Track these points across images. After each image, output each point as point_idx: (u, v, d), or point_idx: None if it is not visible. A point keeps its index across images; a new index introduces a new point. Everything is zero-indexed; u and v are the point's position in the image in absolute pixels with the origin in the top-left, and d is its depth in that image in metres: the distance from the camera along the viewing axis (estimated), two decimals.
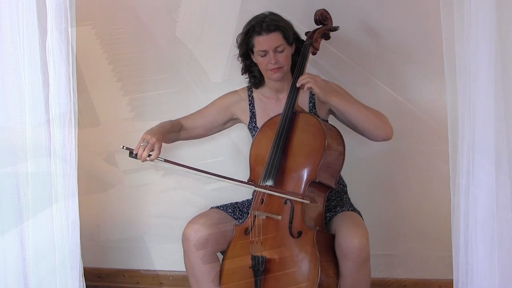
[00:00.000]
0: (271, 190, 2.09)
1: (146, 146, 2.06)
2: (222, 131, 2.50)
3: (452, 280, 1.81)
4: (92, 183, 2.91)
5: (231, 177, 2.10)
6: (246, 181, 2.22)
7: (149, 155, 2.06)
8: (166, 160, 2.08)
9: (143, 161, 2.07)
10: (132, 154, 2.06)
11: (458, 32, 1.69)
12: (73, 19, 1.70)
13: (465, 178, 1.72)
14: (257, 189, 2.14)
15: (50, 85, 1.71)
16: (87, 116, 2.77)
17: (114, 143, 2.92)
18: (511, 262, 1.71)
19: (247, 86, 2.42)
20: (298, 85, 2.16)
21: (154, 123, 2.82)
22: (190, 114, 2.41)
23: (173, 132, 2.31)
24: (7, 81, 1.74)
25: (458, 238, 1.77)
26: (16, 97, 1.75)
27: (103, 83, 2.87)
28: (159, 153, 2.08)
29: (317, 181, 2.08)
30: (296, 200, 2.06)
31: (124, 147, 2.05)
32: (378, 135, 2.19)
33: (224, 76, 2.75)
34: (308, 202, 2.05)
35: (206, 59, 2.78)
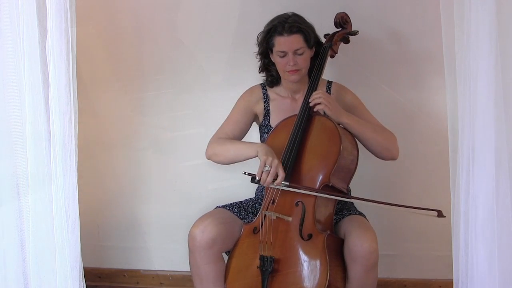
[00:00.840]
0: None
1: (269, 171, 2.01)
2: None
3: (452, 280, 1.81)
4: (92, 183, 2.91)
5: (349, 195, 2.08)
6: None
7: (273, 180, 2.02)
8: (290, 185, 2.04)
9: (267, 186, 2.04)
10: (254, 179, 2.02)
11: (458, 32, 1.69)
12: (73, 19, 1.70)
13: (465, 178, 1.72)
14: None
15: (50, 85, 1.71)
16: (87, 116, 2.77)
17: (114, 143, 2.93)
18: (511, 262, 1.71)
19: (261, 84, 2.41)
20: (311, 104, 2.16)
21: (154, 122, 2.86)
22: (223, 127, 2.33)
23: None
24: (7, 81, 1.74)
25: (458, 238, 1.77)
26: (16, 97, 1.74)
27: (103, 83, 2.87)
28: (284, 176, 2.03)
29: (330, 185, 2.07)
30: (312, 194, 2.04)
31: (246, 173, 2.02)
32: (383, 157, 2.23)
33: (224, 76, 2.75)
34: (324, 195, 2.05)
35: (206, 59, 2.78)
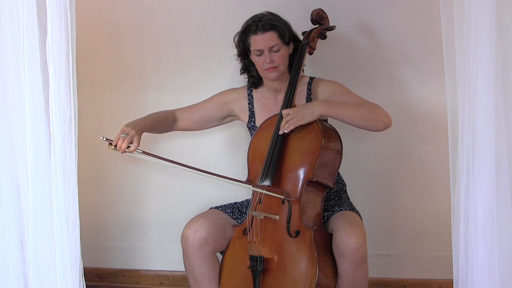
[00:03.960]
0: (267, 190, 2.09)
1: (126, 137, 2.07)
2: (220, 126, 2.50)
3: (452, 280, 1.81)
4: (92, 183, 2.91)
5: (211, 172, 2.11)
6: (245, 180, 2.23)
7: (128, 147, 2.07)
8: (144, 152, 2.09)
9: (122, 153, 2.08)
10: (111, 145, 2.08)
11: (458, 32, 1.69)
12: (73, 19, 1.70)
13: (465, 178, 1.72)
14: (248, 187, 2.15)
15: (50, 85, 1.71)
16: (87, 116, 2.77)
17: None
18: (511, 262, 1.71)
19: (247, 85, 2.42)
20: (281, 132, 2.10)
21: None
22: (188, 107, 2.41)
23: (163, 124, 2.32)
24: (7, 81, 1.74)
25: (458, 238, 1.77)
26: (16, 97, 1.75)
27: (103, 83, 2.86)
28: (138, 145, 2.09)
29: (314, 180, 2.08)
30: (287, 199, 2.07)
31: (104, 138, 2.06)
32: (376, 129, 2.19)
33: (224, 76, 2.75)
34: (289, 198, 2.07)
35: (206, 59, 2.78)
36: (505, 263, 1.70)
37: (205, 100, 2.42)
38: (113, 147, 2.07)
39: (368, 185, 2.72)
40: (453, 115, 1.77)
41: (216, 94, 2.43)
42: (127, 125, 2.13)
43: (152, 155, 2.09)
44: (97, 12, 2.79)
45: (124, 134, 2.08)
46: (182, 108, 2.41)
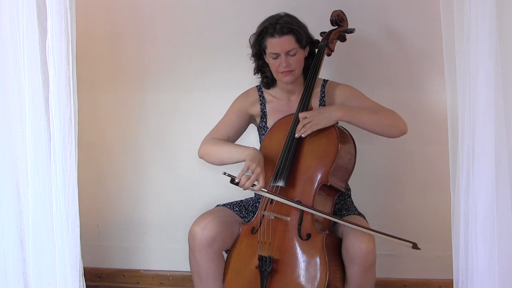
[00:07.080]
0: (281, 197, 2.06)
1: (251, 176, 2.00)
2: None
3: (452, 280, 1.81)
4: (92, 183, 2.91)
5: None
6: None
7: (253, 185, 2.01)
8: (269, 192, 2.04)
9: (244, 190, 2.02)
10: (234, 181, 2.01)
11: (458, 32, 1.69)
12: (73, 19, 1.70)
13: (465, 178, 1.73)
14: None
15: (50, 85, 1.71)
16: (87, 116, 2.77)
17: (114, 142, 2.93)
18: (511, 262, 1.71)
19: (257, 86, 2.40)
20: (297, 136, 2.11)
21: (154, 122, 2.85)
22: (218, 128, 2.34)
23: None
24: (7, 81, 1.74)
25: (458, 238, 1.77)
26: (16, 97, 1.75)
27: (103, 83, 2.87)
28: (264, 185, 2.02)
29: (328, 184, 2.07)
30: (307, 211, 2.04)
31: (226, 174, 2.00)
32: (392, 135, 2.19)
33: (224, 76, 2.75)
34: (318, 213, 2.05)
35: (206, 59, 2.78)
36: (505, 263, 1.70)
37: (227, 115, 2.35)
38: (235, 183, 2.00)
39: (369, 185, 2.72)
40: (453, 115, 1.77)
41: (233, 105, 2.37)
42: (252, 160, 2.03)
43: (275, 195, 2.04)
44: (97, 12, 2.79)
45: (249, 172, 2.01)
46: (217, 130, 2.32)
